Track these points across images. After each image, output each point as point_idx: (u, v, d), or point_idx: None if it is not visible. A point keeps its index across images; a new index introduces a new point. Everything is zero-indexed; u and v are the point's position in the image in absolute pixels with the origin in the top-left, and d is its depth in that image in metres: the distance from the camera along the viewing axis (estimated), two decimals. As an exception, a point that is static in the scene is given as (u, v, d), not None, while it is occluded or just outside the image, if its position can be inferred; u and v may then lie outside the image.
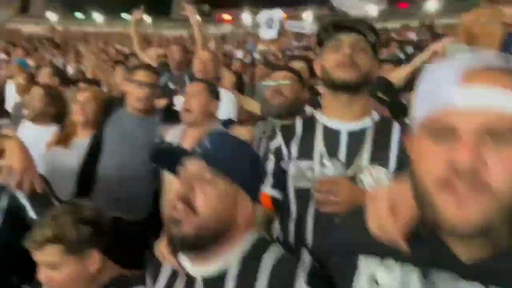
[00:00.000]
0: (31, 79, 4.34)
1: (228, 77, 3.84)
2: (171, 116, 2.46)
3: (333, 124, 1.38)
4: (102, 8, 22.31)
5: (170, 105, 2.86)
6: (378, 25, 9.95)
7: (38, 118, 2.81)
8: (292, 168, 1.37)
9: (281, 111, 2.05)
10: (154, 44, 10.72)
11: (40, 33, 19.40)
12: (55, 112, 2.85)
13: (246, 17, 19.67)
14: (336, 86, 1.34)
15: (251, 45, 10.10)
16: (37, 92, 2.87)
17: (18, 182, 1.49)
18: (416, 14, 15.42)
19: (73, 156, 2.46)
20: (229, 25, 19.28)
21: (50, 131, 2.72)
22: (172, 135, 2.31)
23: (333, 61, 1.34)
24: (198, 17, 4.04)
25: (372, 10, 7.73)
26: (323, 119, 1.40)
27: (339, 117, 1.38)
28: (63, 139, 2.60)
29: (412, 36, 8.89)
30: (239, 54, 8.84)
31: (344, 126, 1.36)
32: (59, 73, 4.42)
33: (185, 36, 17.74)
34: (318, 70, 1.41)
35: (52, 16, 22.55)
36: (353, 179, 1.30)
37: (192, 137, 2.16)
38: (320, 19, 10.62)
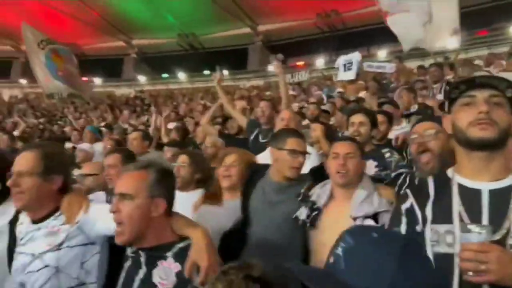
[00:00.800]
0: (119, 143, 4.77)
1: (318, 128, 3.90)
2: (320, 177, 2.39)
3: (471, 183, 1.27)
4: (185, 67, 24.04)
5: (319, 167, 2.64)
6: (461, 56, 9.64)
7: (185, 186, 2.85)
8: (429, 232, 1.27)
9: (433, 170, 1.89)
10: (236, 96, 11.35)
11: (132, 95, 21.38)
12: (201, 177, 2.91)
13: (319, 62, 19.98)
14: (473, 145, 1.28)
15: (327, 90, 10.23)
16: (182, 160, 2.93)
17: (202, 280, 1.49)
18: (498, 40, 14.63)
19: (224, 215, 2.49)
20: (304, 71, 19.66)
21: (196, 195, 2.77)
22: (318, 194, 2.28)
23: (467, 119, 1.28)
24: (284, 75, 4.18)
25: (451, 43, 7.52)
26: (459, 178, 1.30)
27: (477, 176, 1.28)
28: (214, 198, 2.62)
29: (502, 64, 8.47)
30: (315, 98, 9.00)
31: (485, 186, 1.25)
32: (147, 136, 4.84)
33: (262, 85, 18.51)
34: (449, 128, 1.36)
35: (142, 78, 24.76)
36: (502, 244, 1.18)
37: (344, 198, 2.17)
38: (398, 56, 10.51)
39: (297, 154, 2.39)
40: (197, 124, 5.97)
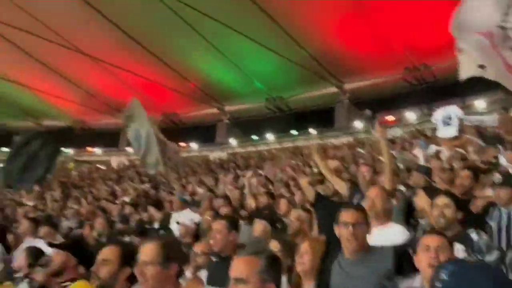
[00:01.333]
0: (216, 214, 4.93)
1: (422, 196, 3.73)
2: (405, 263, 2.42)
3: None
4: (273, 129, 24.81)
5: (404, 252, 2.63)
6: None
7: None
8: None
9: None
10: (329, 154, 11.33)
11: (224, 158, 22.37)
12: (290, 265, 3.04)
13: (410, 116, 19.39)
14: None
15: (423, 145, 9.81)
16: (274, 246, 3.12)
17: None
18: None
19: None
20: (395, 127, 19.18)
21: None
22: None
23: None
24: (387, 140, 4.01)
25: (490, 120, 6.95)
26: None
27: None
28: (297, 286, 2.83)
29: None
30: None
31: None
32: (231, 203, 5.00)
33: (351, 142, 18.31)
34: None
35: (233, 141, 25.92)
36: None
37: None
38: (504, 107, 9.83)
39: (347, 225, 2.50)
40: (281, 196, 5.94)
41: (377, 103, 22.76)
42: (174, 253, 2.19)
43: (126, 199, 8.71)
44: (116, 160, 27.95)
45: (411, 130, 17.79)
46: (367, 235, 2.62)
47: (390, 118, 21.50)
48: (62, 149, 28.12)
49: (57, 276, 2.85)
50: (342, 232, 2.56)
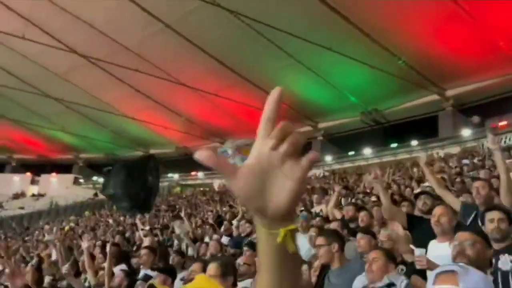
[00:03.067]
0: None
1: None
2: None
3: None
4: (371, 143, 23.95)
5: None
6: None
7: None
8: None
9: None
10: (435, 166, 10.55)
11: (321, 175, 22.08)
12: None
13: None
14: None
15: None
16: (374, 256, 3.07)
17: None
18: None
19: None
20: (509, 133, 17.32)
21: None
22: None
23: None
24: (501, 152, 3.59)
25: None
26: None
27: None
28: None
29: None
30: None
31: None
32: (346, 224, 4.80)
33: (459, 153, 16.88)
34: None
35: (328, 158, 25.55)
36: None
37: None
38: None
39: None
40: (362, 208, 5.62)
41: (486, 108, 20.87)
42: (230, 268, 2.82)
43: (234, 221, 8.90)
44: (217, 183, 29.22)
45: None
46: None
47: (502, 123, 19.51)
48: (164, 174, 30.18)
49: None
50: None
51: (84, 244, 5.24)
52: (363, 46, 18.92)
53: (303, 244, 5.06)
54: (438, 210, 3.30)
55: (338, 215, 5.62)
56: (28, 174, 38.30)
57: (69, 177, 37.58)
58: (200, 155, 0.59)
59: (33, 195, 36.35)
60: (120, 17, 20.36)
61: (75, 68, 24.37)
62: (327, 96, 23.49)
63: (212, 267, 2.73)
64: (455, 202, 4.12)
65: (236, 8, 17.85)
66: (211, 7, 18.18)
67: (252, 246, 4.77)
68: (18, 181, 37.62)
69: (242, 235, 6.59)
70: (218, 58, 22.44)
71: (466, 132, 20.74)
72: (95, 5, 19.84)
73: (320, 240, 3.38)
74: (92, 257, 5.41)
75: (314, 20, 18.19)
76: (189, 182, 32.05)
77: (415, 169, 13.26)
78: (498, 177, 4.47)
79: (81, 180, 37.29)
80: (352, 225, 4.91)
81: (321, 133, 27.25)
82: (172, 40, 21.35)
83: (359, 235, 3.79)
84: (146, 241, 6.58)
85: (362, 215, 4.83)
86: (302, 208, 8.43)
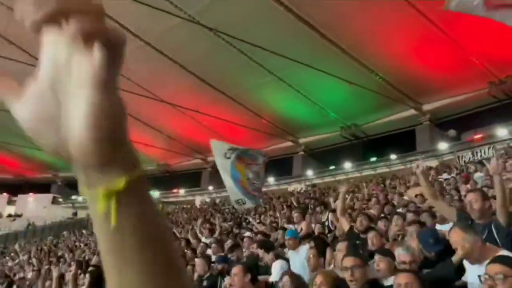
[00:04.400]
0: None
1: None
2: None
3: None
4: (350, 157, 24.22)
5: None
6: None
7: None
8: None
9: None
10: (412, 183, 10.72)
11: (302, 190, 22.17)
12: None
13: (502, 133, 17.86)
14: None
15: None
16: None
17: None
18: None
19: None
20: (487, 147, 17.75)
21: None
22: None
23: None
24: (501, 175, 3.50)
25: None
26: None
27: None
28: None
29: None
30: None
31: None
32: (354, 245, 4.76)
33: (437, 166, 17.21)
34: None
35: (310, 172, 25.70)
36: None
37: None
38: None
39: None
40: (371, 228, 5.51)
41: (461, 122, 21.39)
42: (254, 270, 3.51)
43: (216, 235, 8.82)
44: (199, 199, 29.02)
45: (504, 147, 16.33)
46: None
47: (477, 136, 20.00)
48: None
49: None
50: None
51: (55, 274, 5.15)
52: (342, 63, 19.27)
53: (295, 260, 4.90)
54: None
55: (346, 225, 5.31)
56: (4, 194, 37.33)
57: (48, 196, 36.74)
58: None
59: (10, 215, 35.39)
60: (100, 34, 20.23)
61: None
62: (307, 112, 23.74)
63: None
64: (451, 212, 4.10)
65: (216, 25, 18.02)
66: (191, 25, 18.31)
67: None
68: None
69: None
70: (199, 75, 22.51)
71: (442, 146, 21.18)
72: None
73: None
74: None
75: (293, 37, 18.48)
76: (171, 199, 31.73)
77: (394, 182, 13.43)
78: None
79: (60, 200, 36.51)
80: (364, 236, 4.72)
81: (302, 148, 27.44)
82: (152, 57, 21.36)
83: (377, 257, 3.40)
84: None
85: (371, 236, 4.43)
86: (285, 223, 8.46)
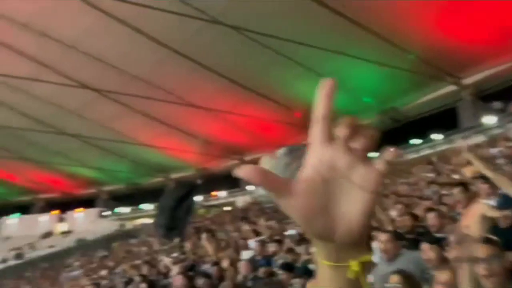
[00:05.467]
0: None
1: None
2: None
3: None
4: (391, 142, 23.44)
5: None
6: None
7: None
8: None
9: None
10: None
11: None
12: None
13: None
14: None
15: None
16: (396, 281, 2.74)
17: None
18: None
19: None
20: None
21: None
22: None
23: None
24: None
25: None
26: None
27: None
28: None
29: None
30: None
31: None
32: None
33: (484, 142, 16.30)
34: None
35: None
36: None
37: None
38: None
39: None
40: (430, 209, 4.98)
41: (507, 93, 20.25)
42: None
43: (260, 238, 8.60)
44: (240, 200, 28.99)
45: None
46: None
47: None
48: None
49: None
50: None
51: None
52: (372, 45, 18.64)
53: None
54: None
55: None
56: (54, 212, 38.73)
57: (94, 211, 37.83)
58: (243, 171, 0.45)
59: (62, 232, 36.68)
60: (128, 48, 20.59)
61: (88, 103, 24.69)
62: (342, 100, 23.13)
63: None
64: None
65: (239, 23, 17.85)
66: (214, 26, 18.23)
67: (288, 268, 4.51)
68: (45, 221, 38.05)
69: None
70: (228, 76, 22.42)
71: (488, 120, 20.11)
72: (102, 39, 20.13)
73: None
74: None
75: (319, 25, 18.04)
76: (212, 203, 31.86)
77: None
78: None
79: (106, 213, 37.50)
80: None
81: (339, 138, 26.85)
82: (180, 64, 21.46)
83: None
84: (175, 269, 6.38)
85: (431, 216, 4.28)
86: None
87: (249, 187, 30.57)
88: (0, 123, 25.64)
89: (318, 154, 0.46)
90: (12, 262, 29.55)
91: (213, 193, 32.58)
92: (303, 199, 0.45)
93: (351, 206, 0.45)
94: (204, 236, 9.01)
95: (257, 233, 9.09)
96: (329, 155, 0.46)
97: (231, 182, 32.16)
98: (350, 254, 0.46)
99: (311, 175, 0.46)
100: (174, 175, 33.69)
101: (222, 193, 32.39)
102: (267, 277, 4.77)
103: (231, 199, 30.98)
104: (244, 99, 23.24)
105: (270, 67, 21.02)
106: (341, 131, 0.47)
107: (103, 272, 12.60)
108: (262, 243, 6.80)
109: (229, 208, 26.43)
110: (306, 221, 0.46)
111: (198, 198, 32.54)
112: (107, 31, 19.69)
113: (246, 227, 10.04)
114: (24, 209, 38.62)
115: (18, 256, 31.13)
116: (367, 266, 0.47)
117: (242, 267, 5.31)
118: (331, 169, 0.45)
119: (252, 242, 7.84)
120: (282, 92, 23.16)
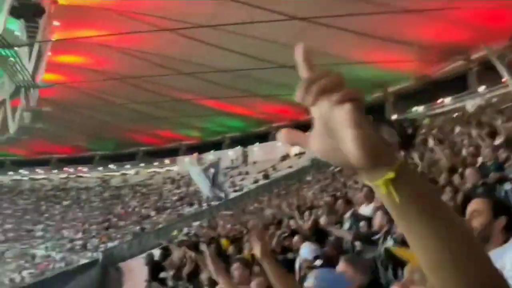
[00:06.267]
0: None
1: None
2: None
3: None
4: None
5: None
6: None
7: None
8: None
9: None
10: None
11: None
12: None
13: None
14: None
15: None
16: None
17: None
18: None
19: None
20: None
21: None
22: None
23: None
24: None
25: None
26: None
27: None
28: None
29: None
30: None
31: None
32: None
33: None
34: None
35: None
36: None
37: None
38: None
39: None
40: None
41: None
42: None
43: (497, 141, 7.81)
44: (470, 104, 26.28)
45: None
46: None
47: None
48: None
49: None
50: None
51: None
52: None
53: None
54: None
55: None
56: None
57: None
58: (282, 137, 0.61)
59: (296, 154, 40.97)
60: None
61: (298, 33, 25.80)
62: None
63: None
64: None
65: None
66: None
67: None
68: (281, 145, 43.11)
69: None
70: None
71: None
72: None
73: None
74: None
75: None
76: (437, 111, 29.82)
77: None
78: None
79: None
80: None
81: None
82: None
83: None
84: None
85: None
86: None
87: (480, 89, 27.31)
88: (228, 67, 29.64)
89: (316, 112, 0.57)
90: (261, 182, 35.09)
91: (439, 100, 30.43)
92: (317, 145, 0.58)
93: (349, 143, 0.54)
94: (433, 143, 8.76)
95: (492, 136, 8.31)
96: (320, 110, 0.56)
97: (458, 86, 29.21)
98: (378, 173, 0.56)
99: (317, 128, 0.58)
100: (391, 88, 32.82)
101: (447, 99, 29.91)
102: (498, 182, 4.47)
103: (458, 105, 28.33)
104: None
105: None
106: (321, 85, 0.55)
107: (338, 185, 13.86)
108: (496, 148, 6.26)
109: (457, 114, 24.28)
110: (325, 157, 0.58)
111: (419, 109, 31.13)
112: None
113: (476, 131, 9.21)
114: (262, 137, 44.50)
115: (265, 176, 36.70)
116: (395, 182, 0.55)
117: (469, 175, 4.99)
118: (326, 120, 0.56)
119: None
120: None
